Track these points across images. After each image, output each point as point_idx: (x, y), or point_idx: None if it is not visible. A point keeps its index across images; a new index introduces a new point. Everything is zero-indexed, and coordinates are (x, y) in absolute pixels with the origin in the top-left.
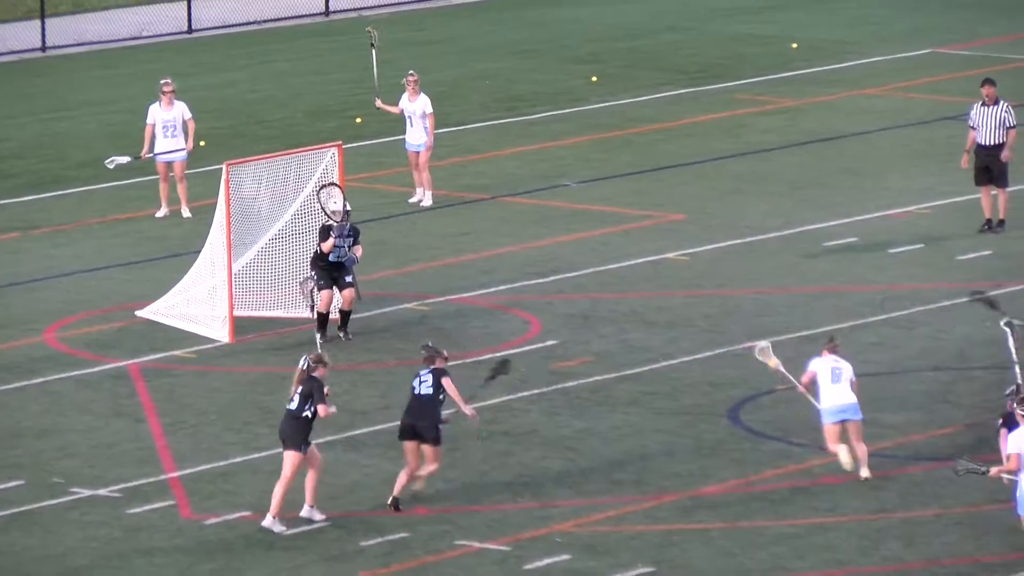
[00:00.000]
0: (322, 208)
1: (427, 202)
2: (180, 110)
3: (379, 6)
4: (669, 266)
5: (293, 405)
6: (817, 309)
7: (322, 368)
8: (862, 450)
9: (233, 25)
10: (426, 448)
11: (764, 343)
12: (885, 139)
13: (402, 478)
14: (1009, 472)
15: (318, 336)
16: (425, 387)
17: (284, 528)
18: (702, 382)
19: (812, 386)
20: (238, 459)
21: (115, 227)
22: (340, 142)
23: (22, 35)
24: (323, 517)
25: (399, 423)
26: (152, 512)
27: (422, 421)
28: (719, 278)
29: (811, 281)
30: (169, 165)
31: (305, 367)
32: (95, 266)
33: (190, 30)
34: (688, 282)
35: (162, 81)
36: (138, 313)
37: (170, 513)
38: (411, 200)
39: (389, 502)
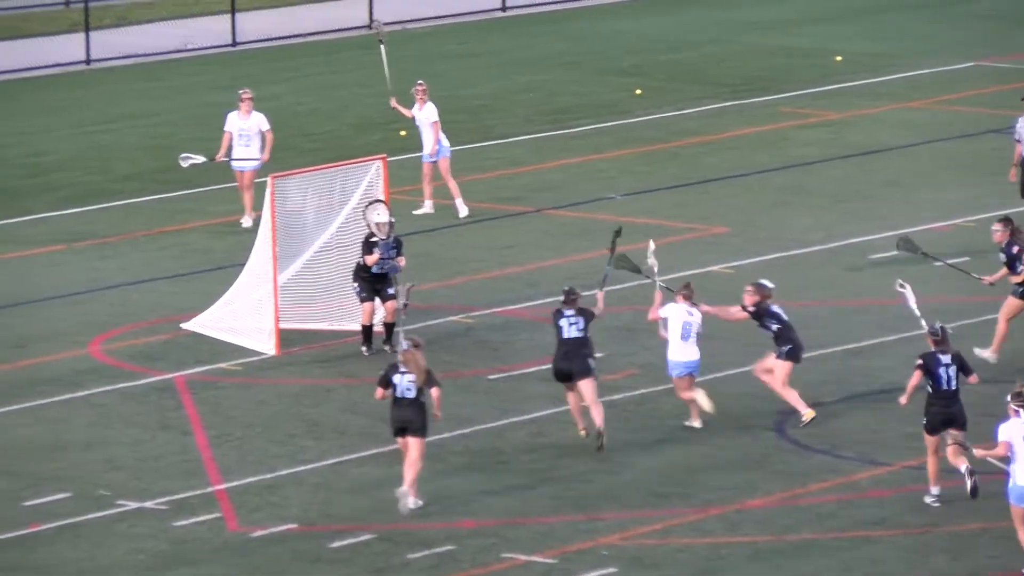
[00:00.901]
0: (367, 222)
1: (463, 211)
2: (257, 120)
3: (422, 19)
4: (713, 279)
5: (412, 393)
6: (860, 322)
7: (420, 352)
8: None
9: (277, 38)
10: (583, 384)
11: (654, 246)
12: (929, 152)
13: (576, 416)
14: (996, 457)
15: (364, 349)
16: (575, 329)
17: (420, 503)
18: (747, 395)
19: (662, 322)
20: (284, 472)
21: (161, 239)
22: (385, 155)
23: (66, 48)
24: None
25: (553, 368)
26: (198, 525)
27: (576, 362)
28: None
29: (855, 294)
30: (242, 172)
31: (409, 348)
32: (141, 278)
33: (234, 43)
34: (732, 295)
35: (241, 91)
36: (184, 325)
37: (216, 526)
38: (417, 212)
39: (583, 434)
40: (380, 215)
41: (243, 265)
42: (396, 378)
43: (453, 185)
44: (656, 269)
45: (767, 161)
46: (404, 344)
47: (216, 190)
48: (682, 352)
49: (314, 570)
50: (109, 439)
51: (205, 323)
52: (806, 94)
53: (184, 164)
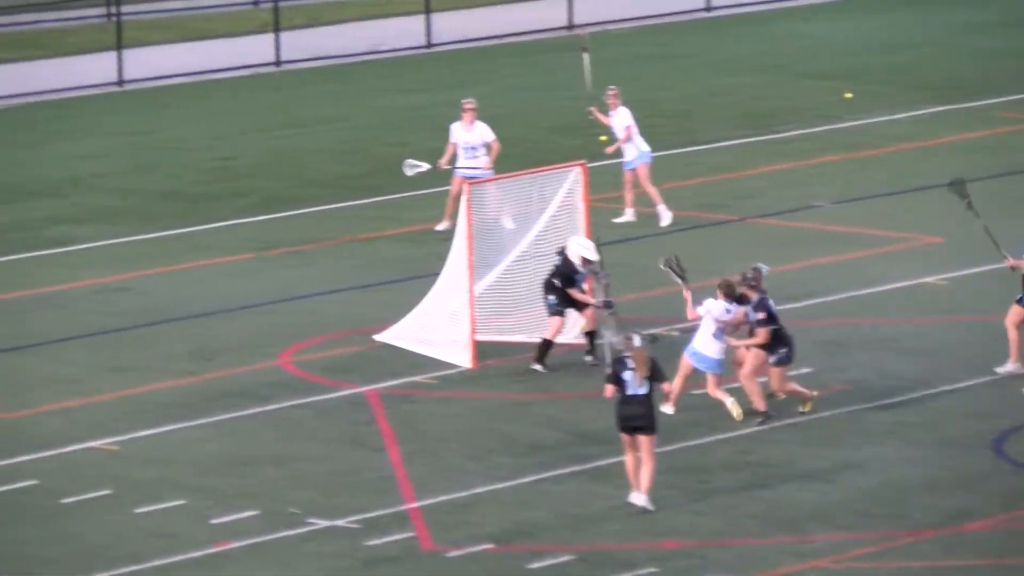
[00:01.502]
0: (572, 254)
1: (665, 219)
2: (481, 131)
3: (623, 19)
4: (927, 291)
5: (644, 389)
6: None
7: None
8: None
9: (473, 39)
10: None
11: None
12: None
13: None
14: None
15: (538, 367)
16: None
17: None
18: (963, 412)
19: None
20: (480, 489)
21: (352, 248)
22: (584, 160)
23: (256, 49)
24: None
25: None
26: (392, 544)
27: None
28: (981, 303)
29: None
30: (464, 180)
31: (643, 345)
32: (332, 288)
33: (428, 45)
34: (947, 307)
35: (464, 101)
36: (376, 337)
37: (410, 545)
38: (617, 220)
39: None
40: (588, 250)
41: (437, 275)
42: (626, 375)
43: (653, 191)
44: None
45: (984, 168)
46: (636, 340)
47: (408, 197)
48: (708, 346)
49: None
50: (299, 455)
51: (398, 335)
52: None
53: (408, 172)
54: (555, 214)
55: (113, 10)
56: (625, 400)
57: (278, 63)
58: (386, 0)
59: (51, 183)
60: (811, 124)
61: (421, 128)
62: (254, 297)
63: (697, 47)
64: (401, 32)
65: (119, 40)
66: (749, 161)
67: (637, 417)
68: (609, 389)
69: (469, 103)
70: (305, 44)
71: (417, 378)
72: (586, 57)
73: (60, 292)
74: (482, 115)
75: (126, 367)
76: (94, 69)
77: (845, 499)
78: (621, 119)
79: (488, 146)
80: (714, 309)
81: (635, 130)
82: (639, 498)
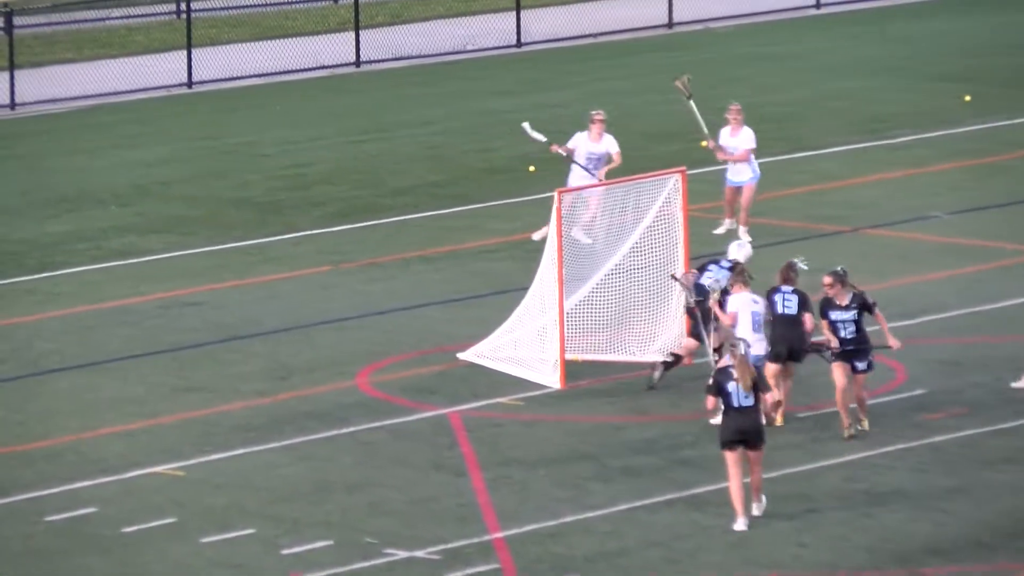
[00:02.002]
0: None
1: (740, 245)
2: (608, 144)
3: (726, 17)
4: None
5: (750, 400)
6: None
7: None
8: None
9: (566, 39)
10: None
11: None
12: None
13: (769, 404)
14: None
15: (656, 374)
16: (789, 307)
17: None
18: None
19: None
20: (569, 518)
21: (435, 261)
22: (684, 167)
23: (335, 48)
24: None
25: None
26: None
27: (793, 342)
28: None
29: None
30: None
31: (745, 352)
32: (412, 303)
33: (519, 44)
34: None
35: (593, 112)
36: (460, 356)
37: None
38: (717, 231)
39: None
40: (715, 280)
41: (526, 289)
42: (731, 386)
43: (745, 216)
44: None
45: None
46: (741, 347)
47: (497, 206)
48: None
49: None
50: (376, 480)
51: (483, 353)
52: None
53: (528, 132)
54: (651, 225)
55: (183, 6)
56: (732, 412)
57: (358, 63)
58: None
59: (116, 191)
60: (927, 129)
61: (510, 133)
62: (330, 313)
63: (807, 47)
64: (489, 30)
65: (189, 38)
66: (860, 169)
67: (747, 431)
68: (711, 401)
69: (599, 115)
70: (387, 43)
71: (503, 399)
72: (692, 104)
73: (125, 307)
74: (574, 119)
75: (194, 387)
76: (162, 69)
77: (960, 530)
78: (745, 140)
79: (610, 157)
80: (742, 305)
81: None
82: (744, 524)
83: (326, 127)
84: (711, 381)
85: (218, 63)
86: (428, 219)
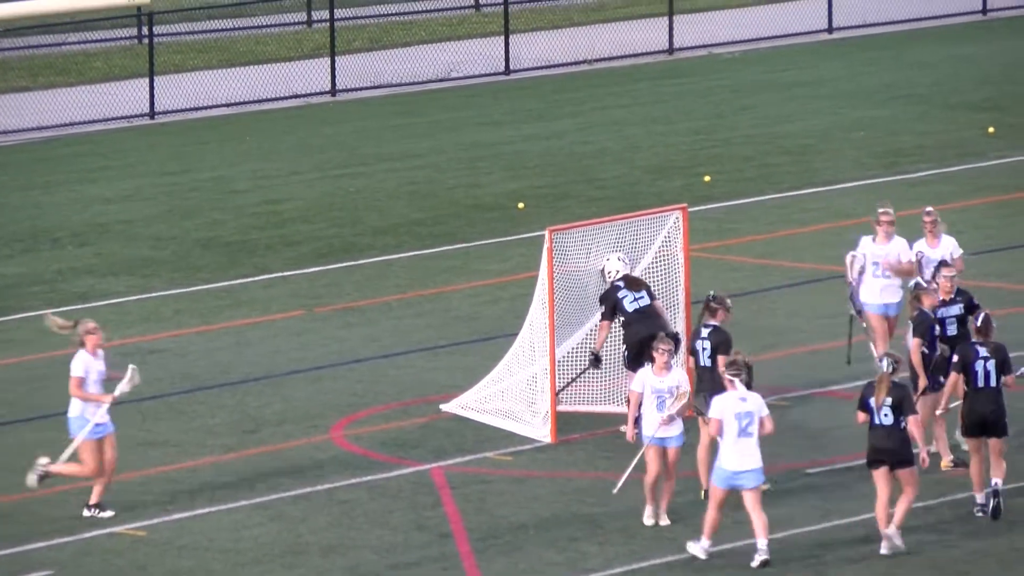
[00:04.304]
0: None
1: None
2: (900, 247)
3: (730, 43)
4: None
5: (889, 419)
6: None
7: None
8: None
9: (558, 65)
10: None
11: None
12: None
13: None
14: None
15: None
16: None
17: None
18: None
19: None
20: None
21: (417, 304)
22: (685, 204)
23: (310, 76)
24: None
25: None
26: None
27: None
28: None
29: None
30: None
31: (890, 370)
32: (393, 351)
33: (507, 71)
34: None
35: (880, 209)
36: (443, 407)
37: None
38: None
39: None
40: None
41: (514, 335)
42: (872, 400)
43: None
44: None
45: None
46: (885, 363)
47: (484, 246)
48: (733, 456)
49: None
50: (354, 542)
51: (469, 404)
52: None
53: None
54: (650, 265)
55: (144, 31)
56: (871, 430)
57: (334, 92)
58: (459, 20)
59: (74, 229)
60: (948, 163)
61: (498, 167)
62: (304, 361)
63: (820, 74)
64: (476, 56)
65: (151, 65)
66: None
67: (882, 451)
68: (860, 416)
69: (886, 213)
70: (365, 70)
71: (490, 454)
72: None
73: None
74: (568, 151)
75: (156, 441)
76: (123, 98)
77: None
78: (948, 247)
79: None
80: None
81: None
82: (891, 535)
83: (301, 161)
84: (861, 394)
85: (183, 91)
86: (411, 260)
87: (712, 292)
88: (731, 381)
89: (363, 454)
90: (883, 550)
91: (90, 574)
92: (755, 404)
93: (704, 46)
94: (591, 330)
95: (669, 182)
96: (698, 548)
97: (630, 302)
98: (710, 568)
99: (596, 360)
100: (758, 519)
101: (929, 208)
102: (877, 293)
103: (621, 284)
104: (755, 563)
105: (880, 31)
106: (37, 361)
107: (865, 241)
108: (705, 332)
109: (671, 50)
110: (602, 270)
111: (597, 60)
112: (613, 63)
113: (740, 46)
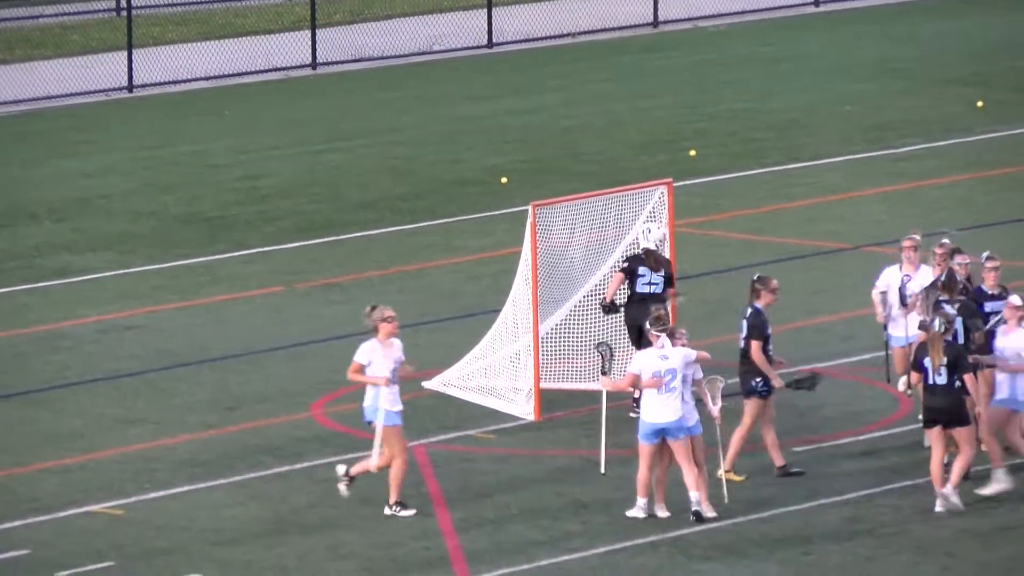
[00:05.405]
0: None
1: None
2: (926, 276)
3: (717, 15)
4: None
5: (943, 379)
6: None
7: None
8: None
9: (542, 38)
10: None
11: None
12: None
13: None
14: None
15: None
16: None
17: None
18: None
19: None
20: (544, 561)
21: (399, 280)
22: (671, 179)
23: (290, 49)
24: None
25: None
26: None
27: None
28: None
29: None
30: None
31: (942, 330)
32: None
33: (490, 44)
34: None
35: (909, 236)
36: (425, 385)
37: None
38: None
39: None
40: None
41: (498, 312)
42: (926, 361)
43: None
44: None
45: None
46: (937, 323)
47: (466, 221)
48: (654, 411)
49: None
50: (335, 521)
51: (451, 382)
52: None
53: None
54: (634, 241)
55: (123, 3)
56: (926, 391)
57: (314, 65)
58: None
59: (51, 205)
60: (935, 138)
61: (481, 142)
62: (284, 338)
63: (806, 49)
64: (458, 29)
65: (129, 38)
66: (863, 181)
67: (934, 410)
68: (914, 376)
69: (910, 239)
70: (346, 43)
71: (472, 432)
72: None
73: (61, 331)
74: (552, 126)
75: (135, 418)
76: (101, 72)
77: (968, 575)
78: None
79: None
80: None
81: None
82: (947, 494)
83: (281, 135)
84: (914, 356)
85: (162, 64)
86: (392, 235)
87: (757, 274)
88: (657, 336)
89: (343, 432)
90: (938, 507)
91: (67, 553)
92: (677, 361)
93: (689, 19)
94: (575, 306)
95: (653, 157)
96: (636, 510)
97: (644, 283)
98: (693, 547)
99: (612, 307)
100: (688, 471)
101: (915, 234)
102: (905, 327)
103: (644, 258)
104: (692, 518)
105: (867, 4)
106: (16, 337)
107: (891, 271)
108: (747, 313)
109: (656, 23)
110: (660, 238)
111: (581, 33)
112: (597, 36)
113: (726, 19)
